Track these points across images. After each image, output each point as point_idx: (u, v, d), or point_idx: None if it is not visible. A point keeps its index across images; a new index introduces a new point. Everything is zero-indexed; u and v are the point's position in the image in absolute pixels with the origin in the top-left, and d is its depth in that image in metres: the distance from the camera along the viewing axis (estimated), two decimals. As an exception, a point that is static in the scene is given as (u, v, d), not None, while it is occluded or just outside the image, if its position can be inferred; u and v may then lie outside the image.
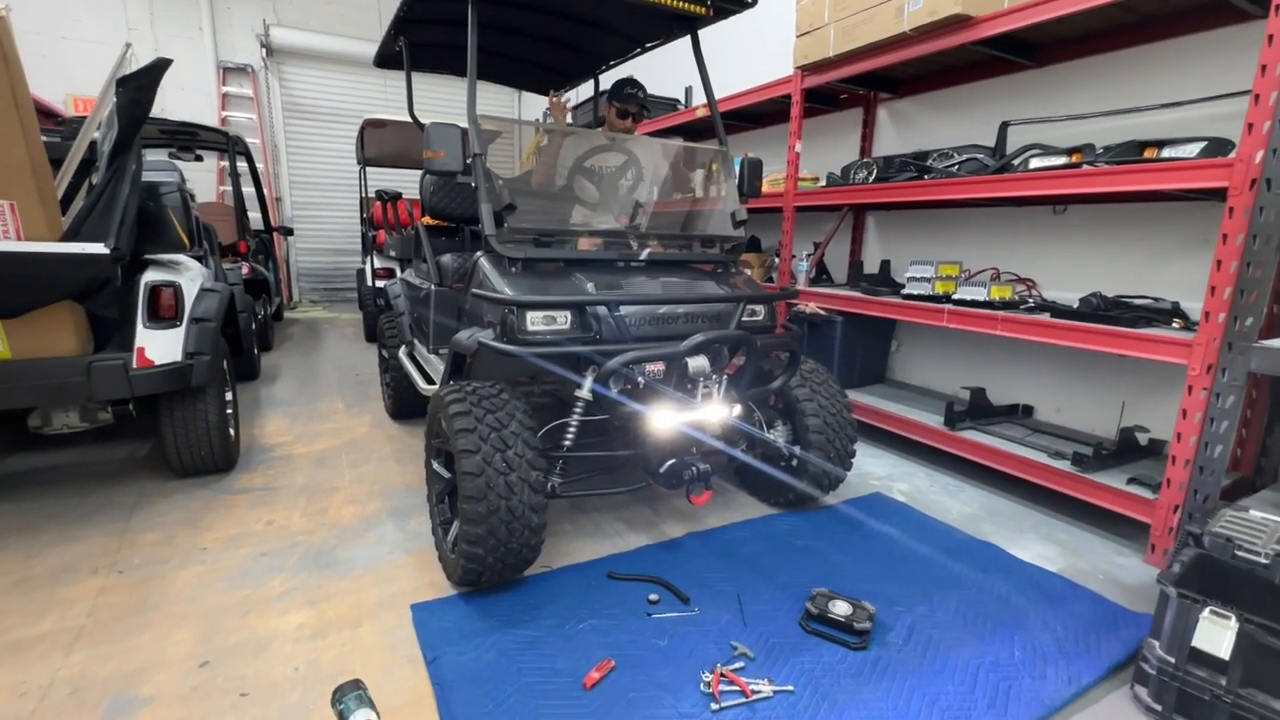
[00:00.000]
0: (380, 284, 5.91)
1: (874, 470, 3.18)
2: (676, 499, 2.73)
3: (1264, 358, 2.01)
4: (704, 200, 2.93)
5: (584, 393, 2.13)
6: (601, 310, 2.08)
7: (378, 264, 6.04)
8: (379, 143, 6.63)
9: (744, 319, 2.36)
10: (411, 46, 3.36)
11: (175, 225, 2.55)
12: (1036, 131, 3.09)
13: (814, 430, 2.46)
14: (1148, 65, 2.80)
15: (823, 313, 3.78)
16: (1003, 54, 3.05)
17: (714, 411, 2.08)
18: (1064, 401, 3.24)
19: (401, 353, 3.41)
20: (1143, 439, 2.77)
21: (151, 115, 2.66)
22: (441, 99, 9.26)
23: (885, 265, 3.97)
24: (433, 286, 3.02)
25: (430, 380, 2.88)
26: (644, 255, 2.44)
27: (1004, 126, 3.14)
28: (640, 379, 2.03)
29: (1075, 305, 2.72)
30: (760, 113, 4.75)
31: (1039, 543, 2.47)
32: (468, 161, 2.23)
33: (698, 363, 2.09)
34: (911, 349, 4.07)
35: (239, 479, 2.89)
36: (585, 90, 4.71)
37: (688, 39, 2.98)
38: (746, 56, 4.88)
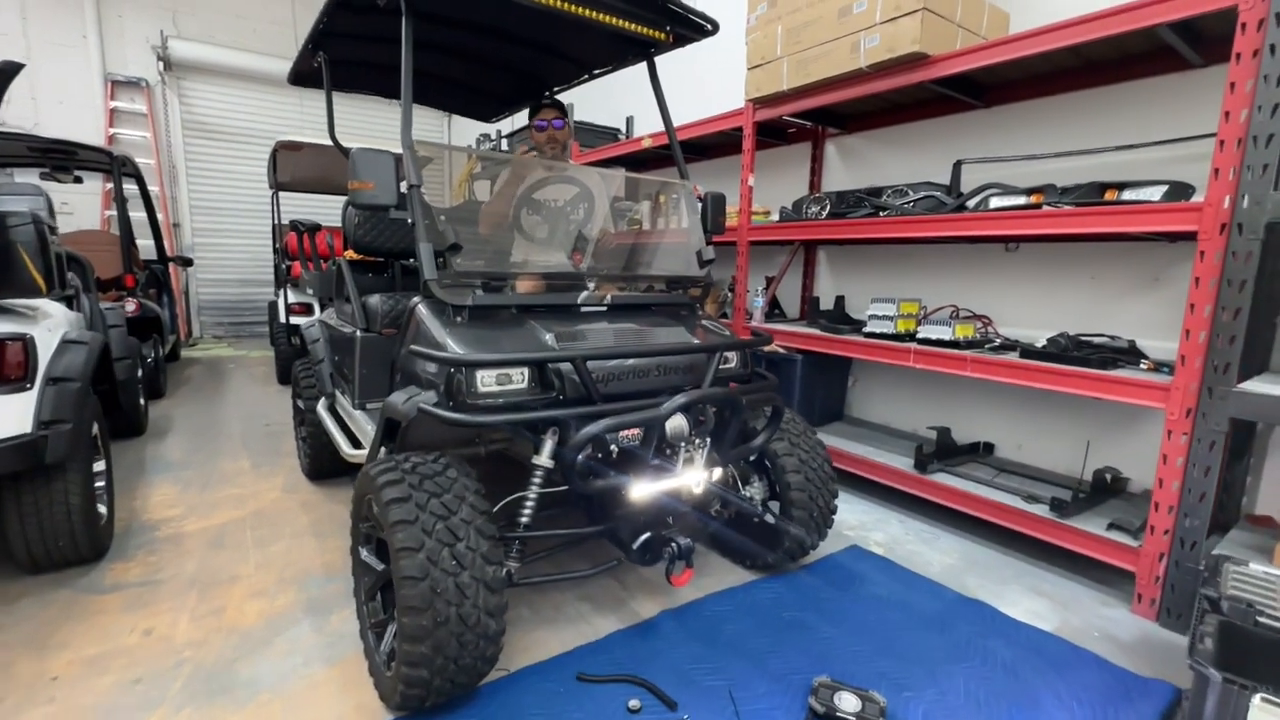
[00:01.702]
0: (295, 320, 5.34)
1: (846, 518, 3.01)
2: (646, 569, 2.44)
3: (1243, 403, 1.98)
4: (664, 236, 2.72)
5: (543, 460, 1.83)
6: (566, 366, 1.80)
7: (292, 298, 5.47)
8: (294, 166, 6.10)
9: (719, 367, 2.13)
10: (333, 64, 3.01)
11: (27, 264, 2.07)
12: (988, 170, 3.10)
13: (795, 488, 2.25)
14: (1094, 109, 2.85)
15: (782, 350, 3.64)
16: (955, 94, 3.05)
17: (695, 477, 1.83)
18: (1025, 439, 3.21)
19: (321, 406, 2.97)
20: (1107, 476, 2.75)
21: (21, 132, 2.18)
22: (362, 121, 8.77)
23: (840, 301, 3.90)
24: (358, 332, 2.64)
25: (356, 443, 2.48)
26: (608, 299, 2.19)
27: (958, 165, 3.14)
28: (613, 446, 1.76)
29: (1037, 344, 2.69)
30: (706, 144, 4.65)
31: (1026, 596, 2.35)
32: (402, 193, 1.92)
33: (677, 424, 1.84)
34: (867, 386, 4.00)
35: (110, 572, 2.36)
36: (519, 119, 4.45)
37: (637, 67, 2.81)
38: (685, 87, 4.80)
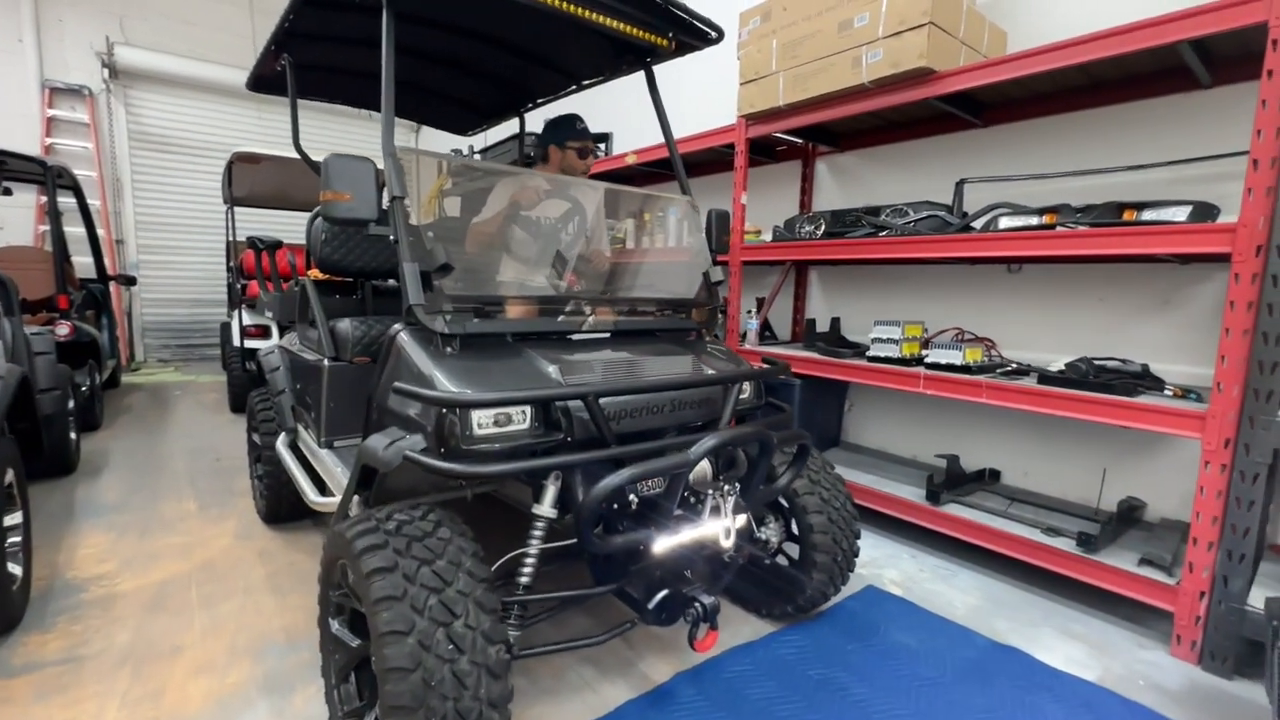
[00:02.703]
0: (251, 344, 4.96)
1: (856, 554, 2.83)
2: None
3: (1290, 433, 1.88)
4: (666, 256, 2.53)
5: (545, 509, 1.60)
6: (574, 404, 1.58)
7: (247, 320, 5.09)
8: (251, 180, 5.73)
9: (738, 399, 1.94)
10: (298, 68, 2.76)
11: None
12: (991, 190, 3.02)
13: (817, 530, 2.06)
14: (1096, 129, 2.80)
15: (781, 376, 3.47)
16: (957, 111, 2.97)
17: (723, 526, 1.62)
18: (1032, 465, 3.11)
19: (280, 443, 2.66)
20: (1131, 506, 2.64)
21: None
22: (326, 134, 8.42)
23: (836, 323, 3.77)
24: (326, 360, 2.35)
25: (323, 489, 2.18)
26: (611, 326, 1.97)
27: (960, 184, 3.05)
28: (633, 496, 1.53)
29: (1051, 368, 2.58)
30: (692, 162, 4.51)
31: (1060, 640, 2.20)
32: (384, 208, 1.68)
33: (702, 467, 1.63)
34: (864, 410, 3.87)
35: (23, 647, 2.00)
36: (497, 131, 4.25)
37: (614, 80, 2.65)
38: (670, 102, 4.67)
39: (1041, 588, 2.55)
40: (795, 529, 2.16)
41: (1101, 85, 2.72)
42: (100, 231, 7.22)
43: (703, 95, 4.46)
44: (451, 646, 1.23)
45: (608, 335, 2.03)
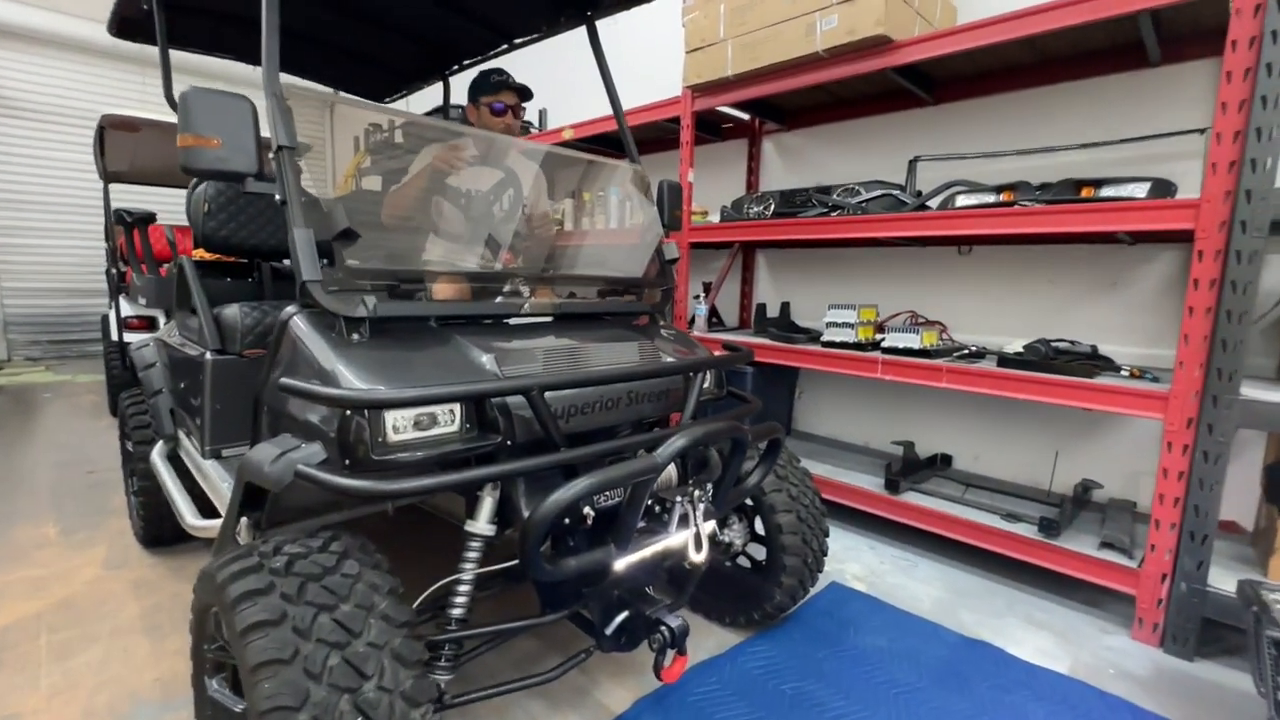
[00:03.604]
0: (132, 338, 4.32)
1: (815, 549, 2.70)
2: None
3: (1253, 412, 1.86)
4: (616, 235, 2.29)
5: (481, 526, 1.34)
6: (513, 400, 1.31)
7: (127, 311, 4.45)
8: (132, 152, 4.99)
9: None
10: (169, 9, 2.31)
11: None
12: (945, 169, 2.95)
13: (787, 530, 1.89)
14: (1047, 107, 2.76)
15: (730, 363, 3.31)
16: (911, 86, 2.87)
17: (693, 536, 1.40)
18: (982, 449, 3.08)
19: (156, 453, 2.24)
20: (1086, 488, 2.64)
21: None
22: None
23: (786, 308, 3.64)
24: (208, 353, 1.96)
25: (207, 509, 1.81)
26: (554, 307, 1.71)
27: (914, 162, 2.96)
28: (589, 510, 1.29)
29: (1008, 351, 2.52)
30: (634, 139, 4.26)
31: (1027, 630, 2.13)
32: (270, 156, 1.34)
33: (667, 472, 1.40)
34: (814, 397, 3.77)
35: None
36: (422, 98, 3.84)
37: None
38: (592, 78, 4.41)
39: (1000, 575, 2.50)
40: (760, 529, 1.98)
41: (1051, 62, 2.67)
42: (-55, 210, 6.25)
43: (645, 69, 4.20)
44: (361, 718, 0.95)
45: (549, 320, 1.77)
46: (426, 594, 1.32)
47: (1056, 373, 2.25)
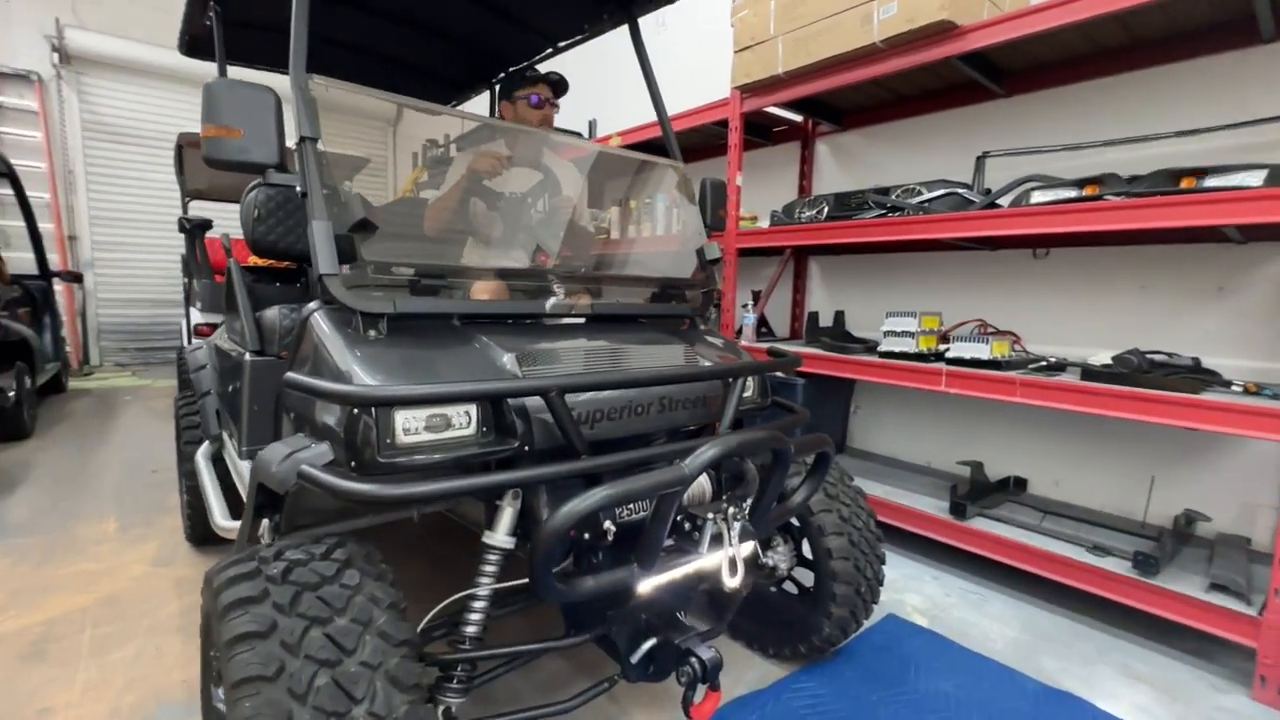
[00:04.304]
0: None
1: (871, 577, 2.48)
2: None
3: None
4: (657, 241, 2.18)
5: (500, 538, 1.24)
6: (532, 401, 1.21)
7: (198, 318, 4.66)
8: (207, 169, 5.29)
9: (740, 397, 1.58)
10: (229, 25, 2.40)
11: None
12: (1016, 166, 2.71)
13: (837, 555, 1.71)
14: (1134, 94, 2.49)
15: (781, 374, 3.13)
16: (979, 76, 2.65)
17: (728, 558, 1.26)
18: (1063, 472, 2.78)
19: (200, 454, 2.27)
20: (1190, 520, 2.32)
21: None
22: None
23: (840, 317, 3.44)
24: (247, 354, 1.97)
25: (240, 510, 1.80)
26: (586, 308, 1.61)
27: (982, 159, 2.74)
28: (608, 524, 1.17)
29: (1095, 364, 2.26)
30: (680, 146, 4.18)
31: (1122, 683, 1.86)
32: (292, 148, 1.31)
33: (698, 485, 1.27)
34: (872, 413, 3.54)
35: None
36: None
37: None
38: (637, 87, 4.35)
39: (1088, 615, 2.22)
40: (808, 552, 1.81)
41: (1142, 43, 2.41)
42: (49, 226, 6.79)
43: (691, 73, 4.13)
44: (347, 749, 0.86)
45: (581, 322, 1.67)
46: (437, 609, 1.23)
47: (1154, 388, 1.98)
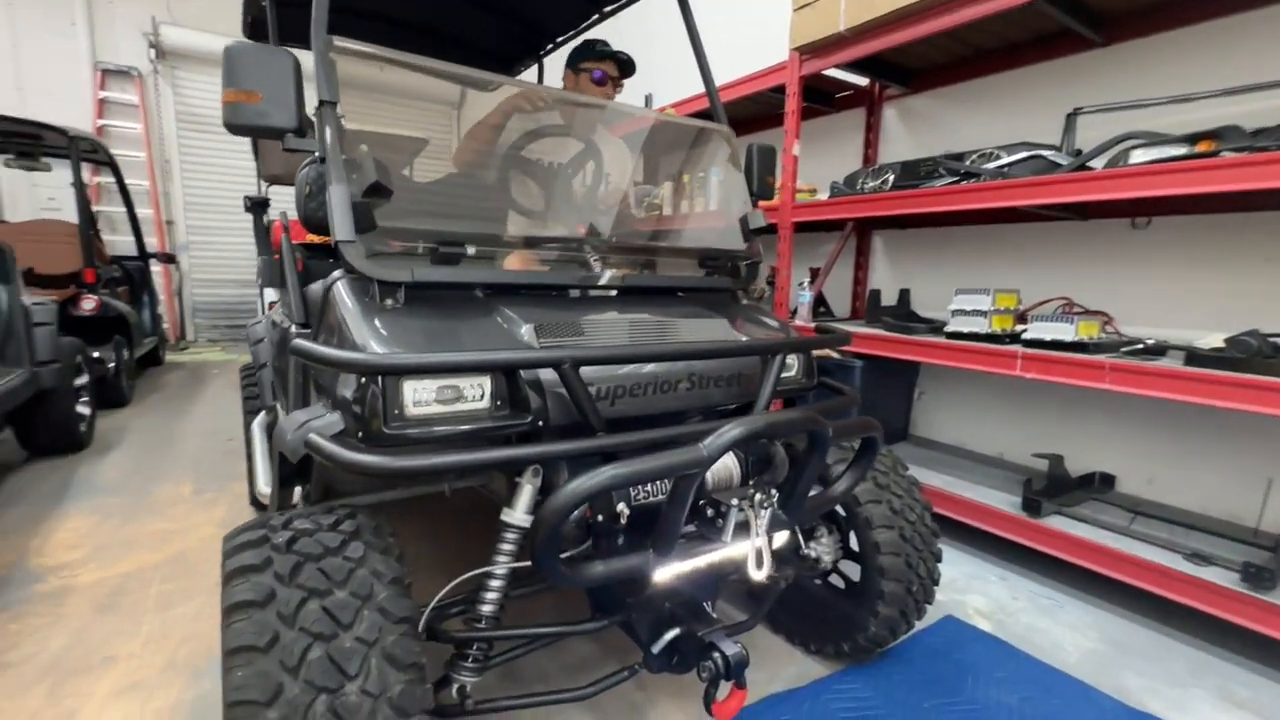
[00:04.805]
0: (275, 322, 4.78)
1: (929, 574, 2.31)
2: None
3: None
4: (709, 207, 2.07)
5: (518, 516, 1.19)
6: (547, 374, 1.15)
7: (272, 296, 4.91)
8: (286, 156, 5.54)
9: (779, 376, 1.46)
10: (282, 7, 2.44)
11: None
12: (1113, 123, 2.40)
13: (886, 550, 1.57)
14: (1262, 36, 2.14)
15: (836, 356, 2.96)
16: (1074, 24, 2.35)
17: (753, 549, 1.16)
18: (1158, 470, 2.48)
19: (256, 423, 2.37)
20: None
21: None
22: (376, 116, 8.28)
23: (905, 295, 3.20)
24: (293, 326, 2.01)
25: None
26: (606, 278, 1.53)
27: (1073, 116, 2.45)
28: (624, 507, 1.10)
29: (1205, 348, 1.97)
30: (734, 117, 3.97)
31: (1220, 708, 1.63)
32: (311, 115, 1.29)
33: (725, 467, 1.18)
34: (936, 399, 3.29)
35: (-51, 647, 1.76)
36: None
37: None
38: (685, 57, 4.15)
39: (1181, 630, 1.97)
40: (855, 545, 1.67)
41: (1279, -28, 2.05)
42: (149, 212, 7.36)
43: (747, 39, 3.92)
44: (335, 723, 0.83)
45: (613, 295, 1.59)
46: (450, 586, 1.20)
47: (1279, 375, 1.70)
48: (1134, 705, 1.62)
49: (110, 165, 5.51)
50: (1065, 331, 2.18)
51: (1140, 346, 2.14)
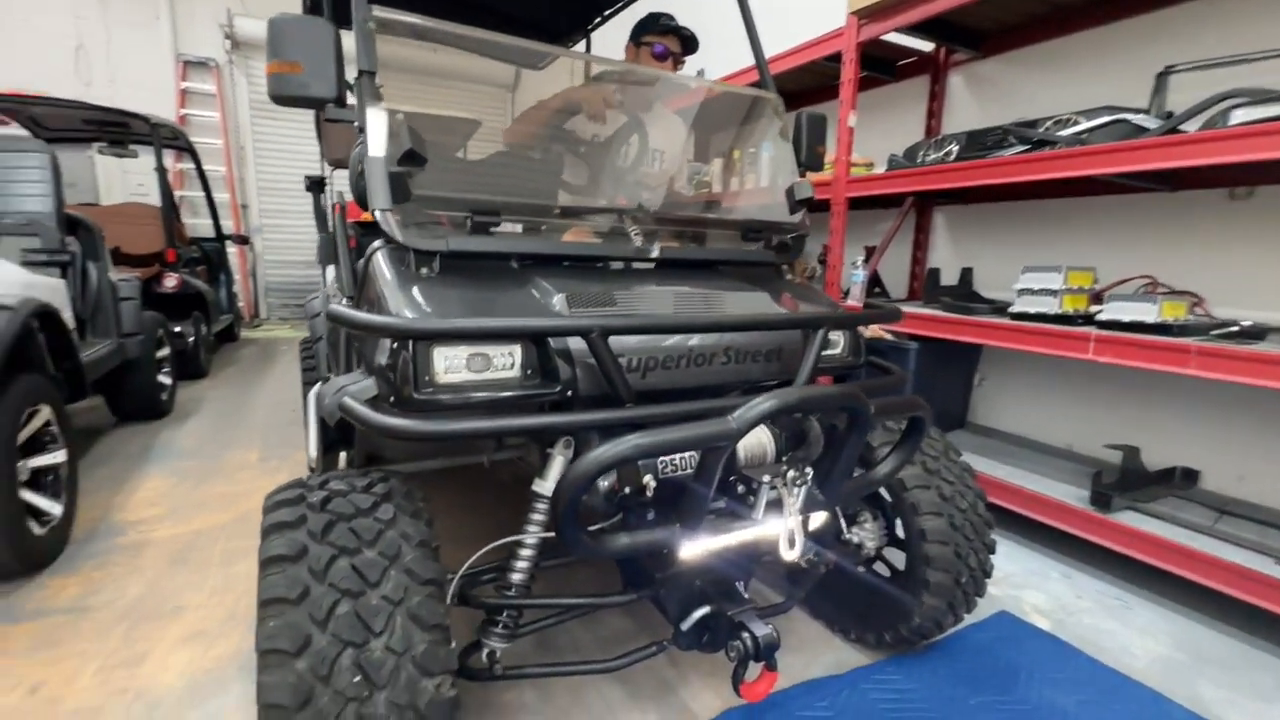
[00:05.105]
0: (337, 300, 4.98)
1: (983, 567, 2.19)
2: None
3: None
4: (760, 183, 2.00)
5: (549, 486, 1.18)
6: (577, 344, 1.13)
7: (333, 274, 5.12)
8: (349, 140, 5.74)
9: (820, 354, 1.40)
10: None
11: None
12: (1209, 81, 2.16)
13: (933, 538, 1.49)
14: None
15: (889, 337, 2.83)
16: (1167, -31, 2.13)
17: (786, 529, 1.11)
18: (1250, 466, 2.26)
19: (311, 394, 2.46)
20: None
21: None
22: (428, 96, 8.47)
23: (967, 274, 3.02)
24: (344, 299, 2.08)
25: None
26: (654, 251, 1.50)
27: (1163, 75, 2.23)
28: (651, 479, 1.08)
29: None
30: (788, 91, 3.84)
31: (1311, 727, 1.48)
32: (348, 84, 1.31)
33: (758, 442, 1.14)
34: (999, 384, 3.11)
35: (43, 590, 1.92)
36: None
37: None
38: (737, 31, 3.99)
39: (1269, 640, 1.80)
40: (900, 531, 1.60)
41: None
42: (225, 196, 7.79)
43: (796, 9, 3.75)
44: (360, 679, 0.85)
45: (651, 267, 1.56)
46: (480, 553, 1.21)
47: (1398, 360, 1.51)
48: (1210, 718, 1.49)
49: (190, 151, 5.84)
50: (1147, 312, 2.00)
51: (1235, 329, 1.94)
